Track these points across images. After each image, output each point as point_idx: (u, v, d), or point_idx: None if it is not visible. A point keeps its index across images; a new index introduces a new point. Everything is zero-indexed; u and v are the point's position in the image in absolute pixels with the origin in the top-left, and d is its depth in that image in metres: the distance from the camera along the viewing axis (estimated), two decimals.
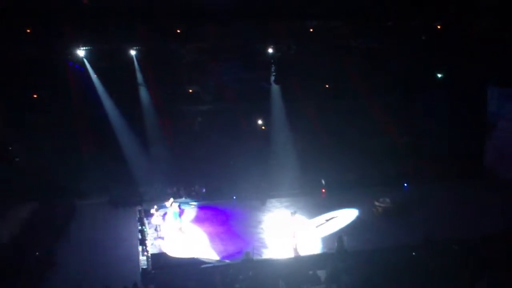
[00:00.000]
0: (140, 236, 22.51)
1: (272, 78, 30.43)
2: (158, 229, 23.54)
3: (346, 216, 25.44)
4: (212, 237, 23.48)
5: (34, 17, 23.93)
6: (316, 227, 24.18)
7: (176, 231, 23.71)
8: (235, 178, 29.41)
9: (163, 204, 24.68)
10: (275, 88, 30.91)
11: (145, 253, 20.57)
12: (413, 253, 18.65)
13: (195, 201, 28.37)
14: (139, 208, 26.46)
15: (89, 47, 27.13)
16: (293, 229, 22.06)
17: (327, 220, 24.86)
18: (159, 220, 23.59)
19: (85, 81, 28.26)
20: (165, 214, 24.79)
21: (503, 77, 28.84)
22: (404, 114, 31.68)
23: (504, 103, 29.84)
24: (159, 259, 19.60)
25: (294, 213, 22.66)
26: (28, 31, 25.39)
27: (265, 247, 21.89)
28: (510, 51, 26.60)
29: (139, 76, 29.33)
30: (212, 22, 26.66)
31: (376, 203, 25.49)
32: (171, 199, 24.45)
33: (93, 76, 28.40)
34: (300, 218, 24.27)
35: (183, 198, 28.24)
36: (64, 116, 28.08)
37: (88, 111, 29.05)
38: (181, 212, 24.73)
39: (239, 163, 29.44)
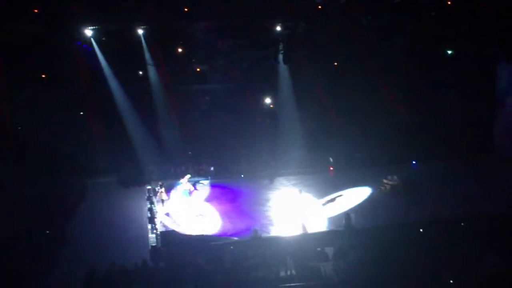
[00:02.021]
0: (149, 215, 22.78)
1: (281, 56, 30.23)
2: (163, 204, 23.94)
3: (355, 194, 25.49)
4: (220, 214, 23.67)
5: None
6: (324, 205, 24.29)
7: (185, 209, 23.94)
8: (243, 156, 29.54)
9: (176, 181, 24.91)
10: (283, 66, 30.70)
11: (155, 231, 20.81)
12: (421, 230, 18.71)
13: (205, 179, 28.57)
14: (148, 187, 26.72)
15: (96, 27, 27.10)
16: (301, 207, 22.18)
17: (334, 199, 24.93)
18: (164, 196, 24.06)
19: (92, 60, 28.29)
20: (169, 190, 25.08)
21: None
22: (414, 92, 31.35)
23: None
24: (168, 236, 19.82)
25: (301, 191, 22.77)
26: (36, 11, 25.37)
27: (273, 224, 22.04)
28: None
29: (147, 55, 29.30)
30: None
31: (385, 181, 25.52)
32: (187, 176, 24.75)
33: (101, 55, 28.42)
34: (308, 196, 24.36)
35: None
36: (72, 96, 28.15)
37: (96, 91, 29.11)
38: (191, 191, 24.95)
39: (247, 142, 29.47)
